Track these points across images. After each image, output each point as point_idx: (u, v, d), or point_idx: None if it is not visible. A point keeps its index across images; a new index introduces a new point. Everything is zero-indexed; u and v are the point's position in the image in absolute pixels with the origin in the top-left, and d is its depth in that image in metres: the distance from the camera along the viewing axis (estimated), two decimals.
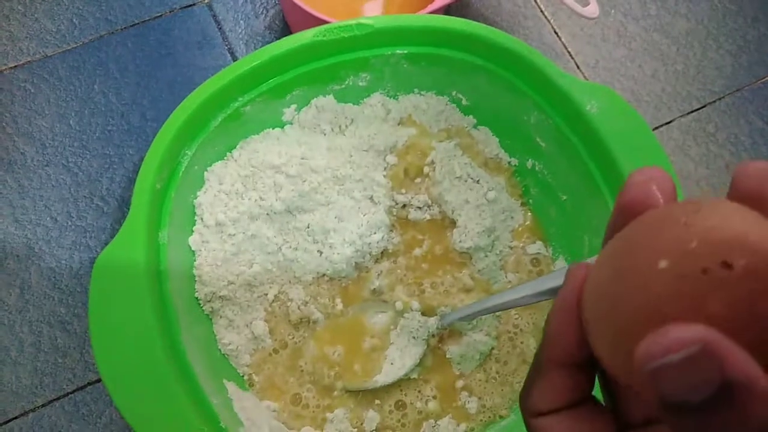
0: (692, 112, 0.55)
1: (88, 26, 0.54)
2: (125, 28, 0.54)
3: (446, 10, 0.51)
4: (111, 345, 0.34)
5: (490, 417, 0.40)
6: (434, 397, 0.40)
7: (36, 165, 0.49)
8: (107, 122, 0.51)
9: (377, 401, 0.40)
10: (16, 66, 0.53)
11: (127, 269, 0.35)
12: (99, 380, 0.44)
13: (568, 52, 0.56)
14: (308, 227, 0.42)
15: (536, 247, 0.44)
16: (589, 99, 0.40)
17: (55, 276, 0.46)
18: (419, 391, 0.40)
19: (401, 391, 0.40)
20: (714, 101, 0.55)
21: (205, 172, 0.42)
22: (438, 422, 0.39)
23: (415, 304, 0.42)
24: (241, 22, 0.55)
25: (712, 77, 0.56)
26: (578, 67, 0.56)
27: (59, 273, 0.46)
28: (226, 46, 0.54)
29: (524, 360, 0.41)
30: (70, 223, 0.48)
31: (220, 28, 0.55)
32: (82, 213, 0.48)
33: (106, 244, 0.47)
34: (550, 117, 0.42)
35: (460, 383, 0.41)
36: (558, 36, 0.57)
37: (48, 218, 0.48)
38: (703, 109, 0.55)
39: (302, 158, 0.42)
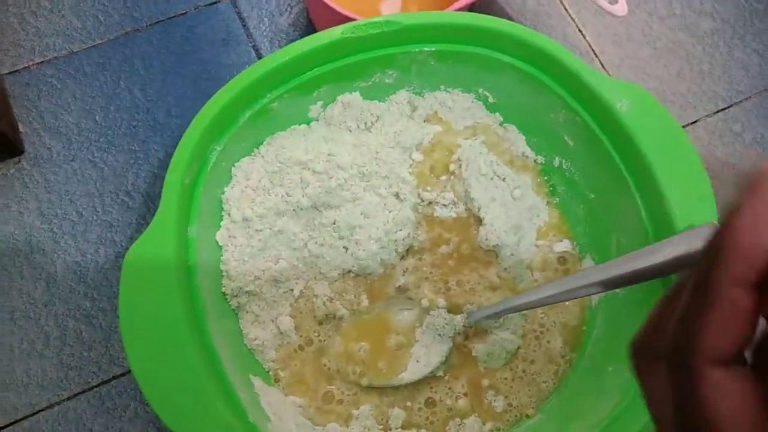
0: (718, 111, 0.54)
1: (113, 23, 0.55)
2: (150, 24, 0.55)
3: (470, 9, 0.50)
4: (141, 339, 0.34)
5: (516, 416, 0.40)
6: (465, 395, 0.40)
7: (62, 160, 0.50)
8: (132, 118, 0.51)
9: (407, 399, 0.40)
10: (42, 61, 0.53)
11: (157, 263, 0.35)
12: (124, 374, 0.44)
13: (593, 51, 0.56)
14: (334, 223, 0.42)
15: (563, 246, 0.44)
16: (618, 97, 0.39)
17: (80, 270, 0.46)
18: (450, 388, 0.40)
19: (431, 388, 0.40)
20: (740, 101, 0.54)
21: (233, 168, 0.42)
22: (464, 421, 0.39)
23: (441, 302, 0.42)
24: (266, 19, 0.55)
25: (739, 77, 0.55)
26: (603, 66, 0.55)
27: (85, 267, 0.46)
28: (251, 43, 0.54)
29: (550, 359, 0.41)
30: (95, 217, 0.48)
31: (245, 26, 0.55)
32: (108, 208, 0.48)
33: (132, 239, 0.47)
34: (579, 115, 0.41)
35: (485, 382, 0.40)
36: (582, 35, 0.56)
37: (74, 213, 0.48)
38: (730, 108, 0.54)
39: (329, 154, 0.42)
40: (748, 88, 0.55)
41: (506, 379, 0.41)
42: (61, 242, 0.47)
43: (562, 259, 0.44)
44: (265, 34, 0.54)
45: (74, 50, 0.54)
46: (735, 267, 0.14)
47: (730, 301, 0.15)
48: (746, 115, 0.54)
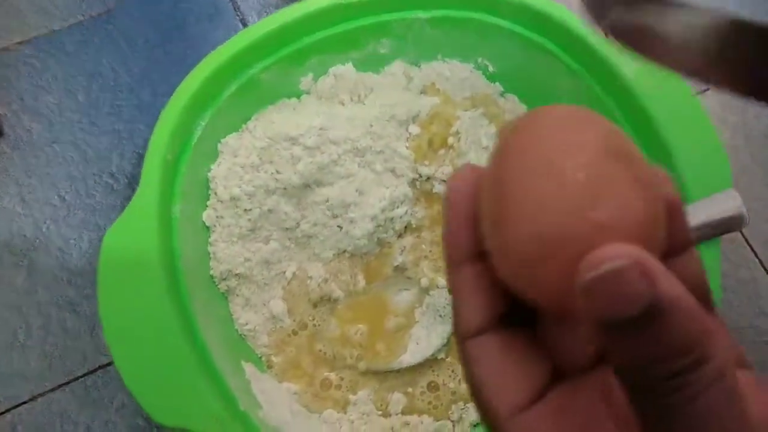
0: None
1: None
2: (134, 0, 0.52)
3: None
4: (123, 327, 0.32)
5: None
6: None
7: (43, 142, 0.48)
8: (116, 97, 0.49)
9: (408, 383, 0.38)
10: (22, 41, 0.51)
11: (137, 246, 0.33)
12: (110, 363, 0.42)
13: None
14: (327, 201, 0.40)
15: None
16: (626, 61, 0.37)
17: (63, 256, 0.45)
18: (453, 371, 0.38)
19: (433, 371, 0.38)
20: None
21: (219, 144, 0.40)
22: (468, 405, 0.37)
23: (441, 281, 0.40)
24: None
25: None
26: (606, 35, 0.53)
27: (68, 253, 0.45)
28: (239, 17, 0.52)
29: None
30: (78, 201, 0.46)
31: None
32: (91, 191, 0.46)
33: None
34: (585, 81, 0.39)
35: None
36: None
37: (56, 197, 0.46)
38: None
39: (321, 129, 0.40)
40: None
41: None
42: (42, 228, 0.45)
43: None
44: (253, 6, 0.52)
45: (54, 28, 0.51)
46: (451, 263, 0.18)
47: (461, 285, 0.18)
48: None
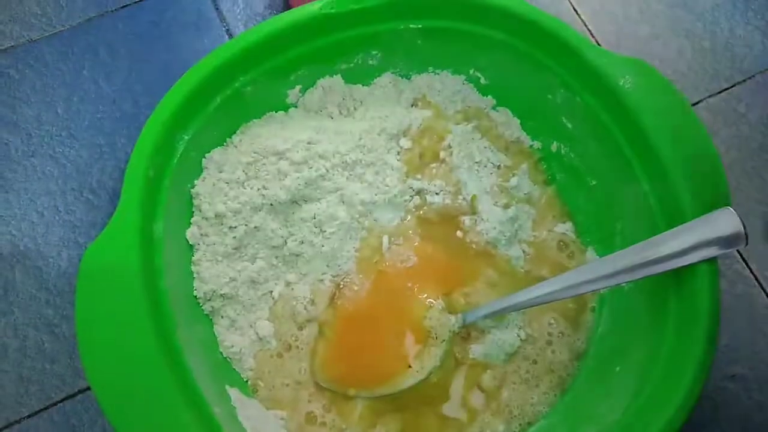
0: (721, 92, 0.51)
1: (76, 8, 0.51)
2: (116, 9, 0.51)
3: None
4: (101, 351, 0.30)
5: (519, 425, 0.36)
6: (462, 400, 0.37)
7: (21, 156, 0.46)
8: (97, 110, 0.48)
9: (400, 407, 0.36)
10: None
11: (117, 265, 0.32)
12: (90, 388, 0.40)
13: (589, 31, 0.53)
14: (315, 218, 0.39)
15: (564, 237, 0.41)
16: (622, 73, 0.36)
17: (41, 275, 0.43)
18: (446, 394, 0.37)
19: (426, 395, 0.37)
20: (744, 80, 0.51)
21: (203, 159, 0.39)
22: (462, 429, 0.36)
23: (438, 301, 0.38)
24: (240, 1, 0.51)
25: (741, 55, 0.52)
26: (599, 46, 0.52)
27: (46, 272, 0.43)
28: (224, 27, 0.51)
29: (553, 359, 0.38)
30: (57, 218, 0.44)
31: (217, 8, 0.51)
32: (71, 207, 0.45)
33: None
34: (579, 94, 0.38)
35: (484, 386, 0.37)
36: (577, 13, 0.53)
37: (34, 213, 0.44)
38: (733, 88, 0.51)
39: (308, 143, 0.39)
40: (751, 66, 0.52)
41: (507, 382, 0.37)
42: (20, 245, 0.44)
43: (562, 245, 0.41)
44: (239, 17, 0.51)
45: (33, 38, 0.50)
46: None
47: None
48: (751, 95, 0.51)
